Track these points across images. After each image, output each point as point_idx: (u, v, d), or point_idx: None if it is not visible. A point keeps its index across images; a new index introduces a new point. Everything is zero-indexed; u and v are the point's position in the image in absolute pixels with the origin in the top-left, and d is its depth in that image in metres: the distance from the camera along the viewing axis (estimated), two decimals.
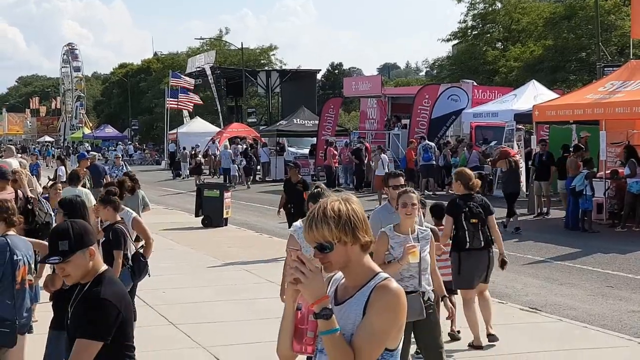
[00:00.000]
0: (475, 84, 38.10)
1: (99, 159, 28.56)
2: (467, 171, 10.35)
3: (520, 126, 29.04)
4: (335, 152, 36.72)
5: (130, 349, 4.72)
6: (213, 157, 46.74)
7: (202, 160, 45.62)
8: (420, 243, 7.37)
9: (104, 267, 4.76)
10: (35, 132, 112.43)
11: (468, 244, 9.74)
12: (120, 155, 28.53)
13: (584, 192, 19.86)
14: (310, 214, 3.72)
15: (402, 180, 8.66)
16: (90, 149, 64.95)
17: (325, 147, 38.17)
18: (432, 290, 7.57)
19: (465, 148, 31.38)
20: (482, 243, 9.82)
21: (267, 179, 43.19)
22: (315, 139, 42.20)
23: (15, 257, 6.71)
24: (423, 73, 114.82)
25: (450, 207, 9.95)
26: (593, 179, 20.44)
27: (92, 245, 4.67)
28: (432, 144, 32.21)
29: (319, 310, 3.54)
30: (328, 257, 3.67)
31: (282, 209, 17.40)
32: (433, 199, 27.69)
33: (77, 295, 4.69)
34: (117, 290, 4.65)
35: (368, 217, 3.89)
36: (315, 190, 7.58)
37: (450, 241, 9.86)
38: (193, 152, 47.15)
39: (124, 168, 26.49)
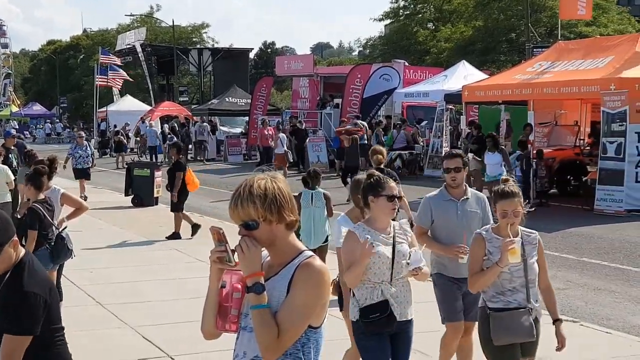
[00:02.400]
0: (406, 64, 38.30)
1: (26, 137, 27.91)
2: (376, 148, 12.75)
3: (450, 106, 29.31)
4: (271, 132, 34.46)
5: (59, 331, 4.62)
6: (143, 136, 46.13)
7: (125, 138, 45.16)
8: (526, 248, 6.06)
9: (22, 251, 4.56)
10: None
11: None
12: (83, 135, 26.93)
13: (515, 173, 20.11)
14: (236, 191, 3.69)
15: (460, 161, 7.33)
16: (17, 127, 63.77)
17: (258, 126, 37.99)
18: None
19: (394, 128, 31.61)
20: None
21: (198, 158, 42.90)
22: (247, 117, 42.01)
23: None
24: (356, 53, 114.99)
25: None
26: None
27: (14, 235, 4.50)
28: (364, 123, 32.31)
29: (252, 284, 3.56)
30: (253, 234, 3.65)
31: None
32: None
33: None
34: (40, 278, 4.50)
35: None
36: (373, 179, 6.20)
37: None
38: (116, 130, 46.59)
39: (88, 148, 25.24)
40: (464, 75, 29.15)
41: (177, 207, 17.02)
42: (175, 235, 16.81)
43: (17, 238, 4.51)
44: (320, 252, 11.13)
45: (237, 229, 3.65)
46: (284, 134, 31.78)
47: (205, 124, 42.53)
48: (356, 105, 34.97)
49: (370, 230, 6.13)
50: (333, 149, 33.23)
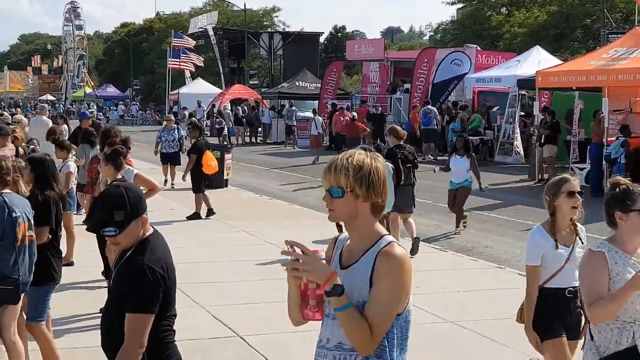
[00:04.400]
0: (479, 48, 37.92)
1: (99, 119, 28.05)
2: (396, 127, 14.24)
3: (523, 92, 28.95)
4: (347, 118, 32.85)
5: (172, 318, 4.57)
6: (214, 118, 46.44)
7: (197, 120, 45.45)
8: None
9: (150, 230, 4.56)
10: (36, 91, 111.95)
11: (402, 181, 13.04)
12: (172, 118, 25.79)
13: (619, 160, 19.67)
14: (334, 158, 3.70)
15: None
16: (96, 108, 64.51)
17: (330, 110, 37.98)
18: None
19: (474, 113, 31.45)
20: (411, 181, 13.57)
21: (267, 141, 43.22)
22: (316, 102, 42.07)
23: (14, 215, 6.71)
24: (427, 37, 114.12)
25: (389, 154, 13.00)
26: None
27: (144, 212, 4.50)
28: (433, 108, 32.12)
29: (330, 288, 3.52)
30: (335, 203, 3.64)
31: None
32: (434, 164, 27.73)
33: (120, 259, 4.56)
34: (159, 257, 4.46)
35: None
36: (620, 189, 4.93)
37: None
38: (190, 113, 46.77)
39: (177, 131, 23.80)
40: (537, 61, 28.72)
41: (197, 188, 17.26)
42: (195, 216, 17.12)
43: (146, 216, 4.50)
44: (387, 215, 12.85)
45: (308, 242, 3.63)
46: (319, 117, 31.76)
47: (293, 107, 41.90)
48: (421, 90, 34.73)
49: (618, 252, 4.84)
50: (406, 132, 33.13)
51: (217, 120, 42.10)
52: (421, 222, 17.00)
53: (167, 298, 4.43)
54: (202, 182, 17.45)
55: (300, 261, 3.52)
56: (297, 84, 46.49)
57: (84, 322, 9.49)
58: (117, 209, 4.35)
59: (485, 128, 30.99)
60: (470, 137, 29.82)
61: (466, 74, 33.46)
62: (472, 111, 32.25)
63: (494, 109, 32.07)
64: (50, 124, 19.65)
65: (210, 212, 17.16)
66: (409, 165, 13.52)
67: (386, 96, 38.00)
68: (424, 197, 20.71)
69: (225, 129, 41.11)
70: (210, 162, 17.56)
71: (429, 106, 32.11)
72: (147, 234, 4.51)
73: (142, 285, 4.31)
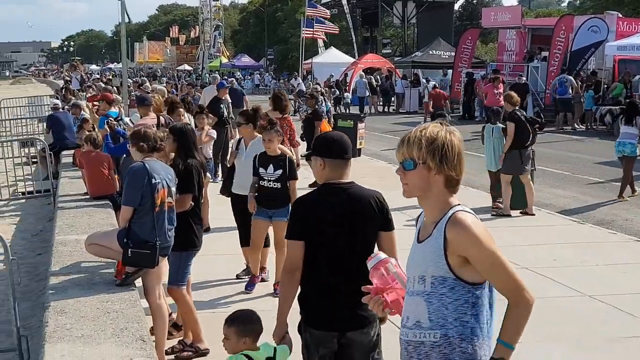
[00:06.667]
0: (620, 15, 36.56)
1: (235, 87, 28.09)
2: (511, 93, 14.60)
3: None
4: (500, 90, 30.03)
5: None
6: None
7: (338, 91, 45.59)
8: None
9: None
10: (174, 61, 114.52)
11: (529, 142, 13.72)
12: (318, 88, 25.53)
13: None
14: (408, 132, 3.67)
15: None
16: (235, 77, 65.43)
17: (462, 80, 37.54)
18: None
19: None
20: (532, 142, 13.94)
21: (400, 111, 43.06)
22: (450, 71, 41.58)
23: (153, 181, 6.90)
24: (565, 4, 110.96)
25: (511, 117, 13.75)
26: None
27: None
28: (570, 77, 31.24)
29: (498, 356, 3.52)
30: (408, 176, 3.60)
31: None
32: (572, 134, 27.05)
33: None
34: None
35: None
36: None
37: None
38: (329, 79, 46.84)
39: (323, 104, 23.05)
40: None
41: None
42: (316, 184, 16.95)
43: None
44: (495, 175, 14.31)
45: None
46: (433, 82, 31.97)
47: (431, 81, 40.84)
48: (558, 59, 33.78)
49: None
50: (539, 102, 32.54)
51: (332, 90, 42.23)
52: (559, 194, 16.65)
53: None
54: None
55: None
56: (431, 52, 46.04)
57: (221, 288, 9.73)
58: None
59: (626, 97, 29.95)
60: (611, 107, 29.13)
61: (603, 41, 32.35)
62: (612, 80, 31.23)
63: (636, 78, 30.94)
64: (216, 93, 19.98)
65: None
66: (537, 126, 14.56)
67: (523, 64, 37.14)
68: (560, 168, 20.25)
69: (348, 99, 41.32)
70: (328, 129, 17.67)
71: (565, 75, 31.25)
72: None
73: None
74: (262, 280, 9.82)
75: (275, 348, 4.98)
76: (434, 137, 3.57)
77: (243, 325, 5.11)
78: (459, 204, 3.62)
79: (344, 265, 4.75)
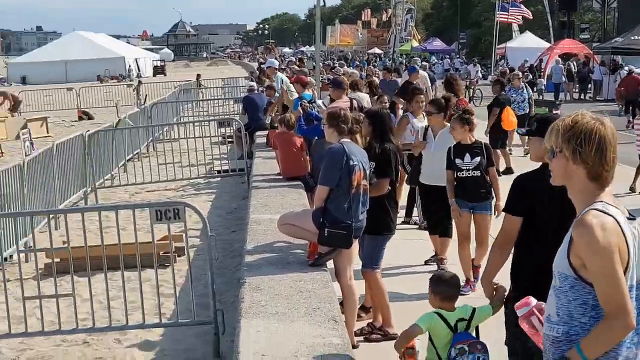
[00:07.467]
0: None
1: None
2: None
3: None
4: None
5: None
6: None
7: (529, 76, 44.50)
8: None
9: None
10: (365, 44, 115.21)
11: None
12: (519, 74, 22.21)
13: None
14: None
15: None
16: (425, 62, 65.34)
17: None
18: None
19: None
20: None
21: (597, 98, 41.56)
22: None
23: (351, 162, 6.94)
24: None
25: None
26: None
27: None
28: None
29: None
30: (553, 163, 3.58)
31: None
32: None
33: None
34: None
35: None
36: None
37: None
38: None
39: (524, 91, 20.42)
40: None
41: (495, 143, 15.87)
42: (508, 171, 16.22)
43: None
44: None
45: None
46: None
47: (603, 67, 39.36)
48: None
49: None
50: None
51: (525, 74, 41.09)
52: None
53: None
54: (498, 138, 17.04)
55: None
56: (633, 37, 44.10)
57: (410, 273, 9.71)
58: None
59: None
60: None
61: None
62: None
63: None
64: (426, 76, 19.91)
65: (508, 170, 16.35)
66: None
67: None
68: None
69: (542, 85, 40.13)
70: (510, 117, 17.15)
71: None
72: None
73: None
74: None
75: (474, 309, 5.32)
76: (572, 125, 3.50)
77: (447, 287, 5.50)
78: (602, 202, 3.47)
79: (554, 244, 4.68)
